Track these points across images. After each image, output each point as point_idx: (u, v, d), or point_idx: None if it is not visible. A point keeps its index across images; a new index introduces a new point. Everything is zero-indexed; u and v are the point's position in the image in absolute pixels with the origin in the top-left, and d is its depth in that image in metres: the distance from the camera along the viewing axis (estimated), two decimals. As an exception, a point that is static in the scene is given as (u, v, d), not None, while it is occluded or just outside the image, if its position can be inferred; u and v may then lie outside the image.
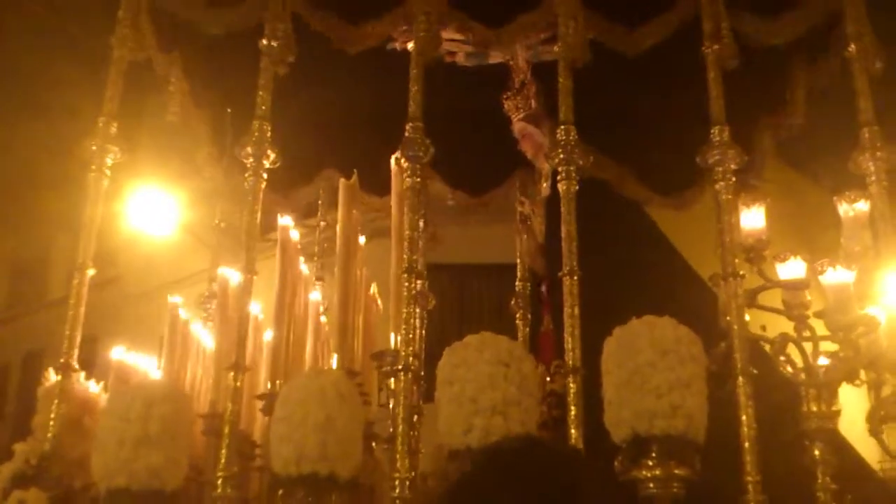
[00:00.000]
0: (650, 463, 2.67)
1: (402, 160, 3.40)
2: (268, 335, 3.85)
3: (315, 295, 4.00)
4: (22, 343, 14.54)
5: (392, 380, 3.24)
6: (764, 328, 3.36)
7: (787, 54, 4.08)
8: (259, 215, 3.38)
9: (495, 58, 4.77)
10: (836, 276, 3.32)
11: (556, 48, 3.55)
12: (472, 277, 8.86)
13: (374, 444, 3.34)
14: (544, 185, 4.65)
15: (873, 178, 3.42)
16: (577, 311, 3.11)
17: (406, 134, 3.37)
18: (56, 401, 3.22)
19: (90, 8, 3.91)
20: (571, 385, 3.00)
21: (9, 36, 7.76)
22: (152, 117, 4.54)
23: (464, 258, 8.46)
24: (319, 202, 5.06)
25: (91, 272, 3.46)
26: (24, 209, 11.55)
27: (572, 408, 2.97)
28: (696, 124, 3.55)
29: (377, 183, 4.14)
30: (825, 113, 3.91)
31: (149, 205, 8.52)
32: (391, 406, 3.19)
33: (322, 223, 5.04)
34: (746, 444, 2.96)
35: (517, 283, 5.02)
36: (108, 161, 3.63)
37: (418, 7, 3.58)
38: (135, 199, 8.43)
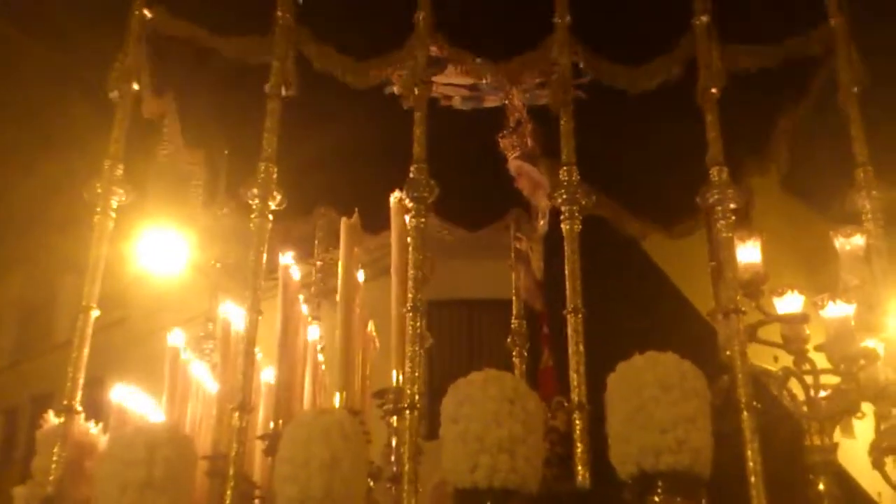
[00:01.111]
0: (656, 499, 2.57)
1: (407, 200, 3.32)
2: (264, 374, 3.73)
3: (313, 334, 3.88)
4: (30, 386, 14.28)
5: (395, 418, 3.12)
6: (776, 358, 3.27)
7: (773, 95, 4.04)
8: (265, 256, 3.29)
9: (491, 101, 4.72)
10: (836, 309, 3.24)
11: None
12: (480, 313, 8.75)
13: (371, 483, 3.20)
14: (541, 222, 4.56)
15: (869, 216, 3.36)
16: (581, 347, 3.02)
17: (411, 175, 3.30)
18: (57, 444, 3.07)
19: (101, 49, 3.82)
20: (577, 422, 2.89)
21: (20, 77, 7.71)
22: (161, 158, 4.46)
23: (472, 294, 8.36)
24: (316, 242, 4.97)
25: (95, 314, 3.32)
26: (33, 249, 11.45)
27: (578, 444, 2.86)
28: (688, 154, 3.48)
29: (371, 220, 4.05)
30: (828, 143, 3.84)
31: (157, 245, 8.40)
32: (394, 445, 3.07)
33: (318, 262, 4.94)
34: (752, 479, 2.84)
35: (513, 319, 4.91)
36: (114, 203, 3.51)
37: (420, 47, 3.53)
38: (143, 240, 8.32)
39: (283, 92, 3.53)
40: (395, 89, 4.24)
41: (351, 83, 3.82)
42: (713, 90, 3.46)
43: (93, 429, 3.43)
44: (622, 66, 3.70)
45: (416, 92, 3.47)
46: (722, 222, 3.28)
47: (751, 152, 4.34)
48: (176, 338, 3.83)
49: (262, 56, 3.60)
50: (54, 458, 3.07)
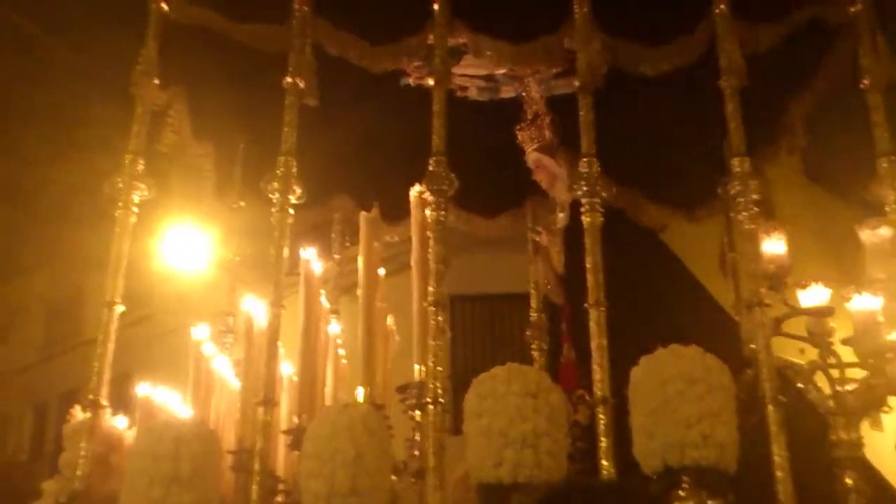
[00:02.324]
0: (682, 493, 2.50)
1: (427, 193, 3.25)
2: (284, 368, 3.69)
3: (333, 328, 3.83)
4: (59, 382, 14.27)
5: (418, 412, 3.07)
6: (803, 351, 3.19)
7: (788, 80, 3.95)
8: (286, 250, 3.25)
9: (507, 92, 4.64)
10: (862, 302, 3.15)
11: (575, 82, 3.41)
12: (502, 307, 8.63)
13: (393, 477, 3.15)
14: (560, 215, 4.49)
15: (893, 206, 3.26)
16: (604, 341, 2.95)
17: (430, 168, 3.23)
18: (84, 438, 3.04)
19: (123, 48, 3.78)
20: (601, 416, 2.83)
21: (46, 77, 7.73)
22: (183, 155, 4.42)
23: (494, 288, 8.26)
24: (333, 235, 4.93)
25: (120, 309, 3.29)
26: (60, 246, 11.48)
27: (602, 439, 2.80)
28: (705, 138, 3.41)
29: (389, 211, 4.00)
30: (853, 131, 3.74)
31: (182, 242, 8.39)
32: (418, 439, 3.02)
33: (336, 256, 4.90)
34: (779, 473, 2.77)
35: (531, 312, 4.85)
36: (135, 198, 3.46)
37: (438, 32, 3.45)
38: (168, 237, 8.31)
39: (306, 99, 3.48)
40: (411, 80, 4.18)
41: (366, 67, 3.76)
42: (733, 80, 3.37)
43: (119, 424, 3.41)
44: (641, 47, 3.60)
45: (435, 82, 3.39)
46: (744, 214, 3.19)
47: (765, 139, 4.26)
48: (200, 333, 3.80)
49: (278, 45, 3.55)
50: (81, 453, 3.05)
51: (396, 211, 4.01)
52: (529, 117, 4.54)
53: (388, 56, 3.75)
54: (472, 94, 4.61)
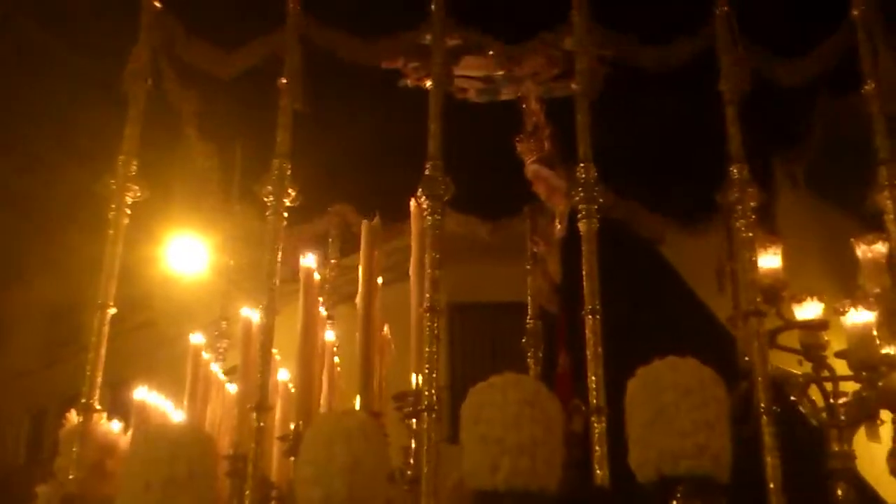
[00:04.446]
0: (676, 503, 2.49)
1: (422, 199, 3.21)
2: (281, 375, 3.67)
3: (329, 335, 3.81)
4: (59, 388, 14.18)
5: (414, 420, 3.04)
6: (801, 362, 3.17)
7: (802, 90, 3.92)
8: (280, 254, 3.22)
9: (506, 94, 4.61)
10: (857, 316, 3.14)
11: (573, 85, 3.38)
12: (502, 316, 8.60)
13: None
14: (559, 226, 4.47)
15: (892, 215, 3.24)
16: (600, 350, 2.92)
17: (426, 172, 3.19)
18: (78, 442, 3.01)
19: (123, 51, 3.77)
20: (596, 425, 2.80)
21: (48, 82, 7.71)
22: (184, 161, 4.41)
23: (494, 297, 8.23)
24: (330, 241, 4.91)
25: (112, 312, 3.24)
26: (61, 253, 11.45)
27: (597, 448, 2.78)
28: (705, 152, 3.39)
29: (387, 220, 3.98)
30: (854, 144, 3.73)
31: (182, 247, 8.36)
32: (413, 447, 2.99)
33: (332, 261, 4.88)
34: (771, 485, 2.75)
35: (528, 321, 4.83)
36: (129, 200, 3.42)
37: (435, 31, 3.42)
38: (169, 243, 8.28)
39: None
40: (408, 82, 4.17)
41: (360, 61, 3.73)
42: (735, 82, 3.34)
43: (115, 428, 3.37)
44: (644, 46, 3.59)
45: (431, 85, 3.36)
46: (742, 221, 3.17)
47: (781, 148, 4.24)
48: (197, 338, 3.77)
49: (271, 53, 3.54)
50: (75, 457, 3.01)
51: (396, 219, 4.00)
52: (529, 129, 4.52)
53: (382, 52, 3.72)
54: (472, 95, 4.58)
